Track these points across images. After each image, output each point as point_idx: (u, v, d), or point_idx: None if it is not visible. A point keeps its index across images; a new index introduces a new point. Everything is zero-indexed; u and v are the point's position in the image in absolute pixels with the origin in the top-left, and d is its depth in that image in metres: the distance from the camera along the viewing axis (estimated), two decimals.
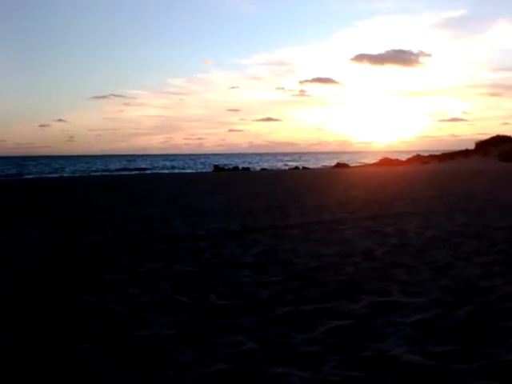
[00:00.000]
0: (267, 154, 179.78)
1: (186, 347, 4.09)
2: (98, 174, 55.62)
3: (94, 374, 3.63)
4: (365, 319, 4.65)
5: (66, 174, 54.46)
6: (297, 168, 61.89)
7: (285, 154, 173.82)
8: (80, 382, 3.47)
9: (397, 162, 59.62)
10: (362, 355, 3.84)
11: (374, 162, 64.76)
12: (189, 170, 63.47)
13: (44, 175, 53.12)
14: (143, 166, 75.83)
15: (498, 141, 55.64)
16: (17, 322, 4.73)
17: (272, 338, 4.25)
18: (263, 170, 60.12)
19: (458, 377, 3.45)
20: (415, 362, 3.65)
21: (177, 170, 64.55)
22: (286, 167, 68.22)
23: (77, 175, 51.66)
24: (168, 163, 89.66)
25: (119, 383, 3.46)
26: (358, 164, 68.09)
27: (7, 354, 4.02)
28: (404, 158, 63.53)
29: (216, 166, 62.68)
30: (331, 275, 6.34)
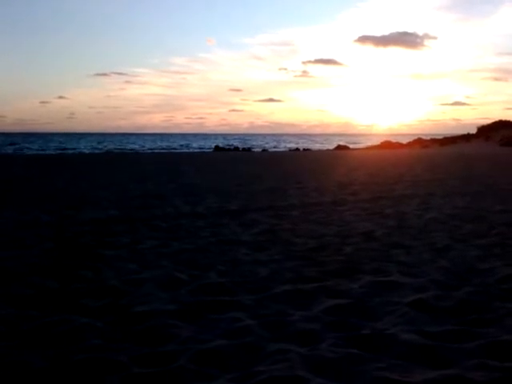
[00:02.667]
0: (268, 135, 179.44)
1: (185, 323, 4.12)
2: (98, 151, 55.52)
3: (94, 347, 3.66)
4: (363, 298, 4.68)
5: (66, 151, 54.34)
6: (297, 149, 61.75)
7: (286, 135, 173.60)
8: (79, 355, 3.50)
9: (398, 146, 59.47)
10: (359, 333, 3.87)
11: (375, 144, 64.57)
12: (190, 150, 63.32)
13: (44, 152, 53.01)
14: (144, 145, 75.71)
15: (500, 126, 55.46)
16: (18, 296, 4.77)
17: (270, 315, 4.28)
18: (264, 150, 59.98)
19: (455, 356, 3.47)
20: (412, 340, 3.68)
21: (178, 150, 64.41)
22: (287, 148, 68.07)
23: (77, 152, 51.61)
24: (169, 142, 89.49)
25: (118, 357, 3.49)
26: (358, 146, 67.91)
27: (9, 327, 4.06)
28: (405, 141, 63.33)
29: (217, 146, 62.54)
30: (330, 255, 6.36)
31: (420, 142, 60.01)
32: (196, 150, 60.83)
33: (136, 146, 71.91)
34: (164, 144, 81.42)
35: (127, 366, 3.36)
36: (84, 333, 3.90)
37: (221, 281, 5.25)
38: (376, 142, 68.58)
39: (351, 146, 64.94)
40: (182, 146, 76.57)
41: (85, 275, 5.49)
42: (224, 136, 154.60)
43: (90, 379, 3.22)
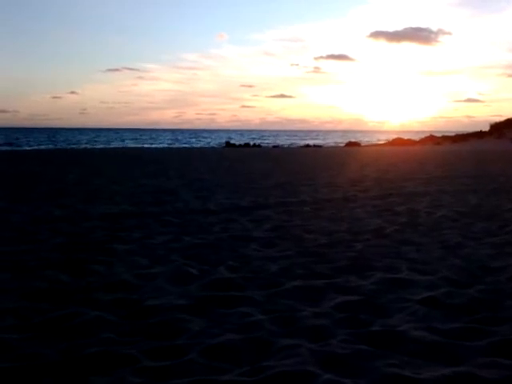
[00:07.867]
0: (279, 131, 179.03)
1: (195, 317, 4.14)
2: (110, 146, 55.74)
3: (105, 340, 3.69)
4: (374, 295, 4.68)
5: (80, 146, 54.60)
6: (308, 146, 61.63)
7: (297, 131, 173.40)
8: (91, 348, 3.53)
9: (409, 142, 59.16)
10: (370, 330, 3.87)
11: (386, 141, 64.33)
12: (200, 146, 63.41)
13: (57, 146, 53.33)
14: (155, 140, 75.94)
15: None
16: (30, 290, 4.81)
17: (281, 311, 4.29)
18: (275, 147, 59.91)
19: (466, 353, 3.46)
20: (423, 337, 3.68)
21: (189, 145, 64.52)
22: (298, 144, 67.97)
23: (89, 147, 51.83)
24: (180, 138, 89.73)
25: (130, 350, 3.51)
26: (370, 143, 67.66)
27: (22, 320, 4.11)
28: (417, 138, 62.99)
29: (228, 142, 62.59)
30: (341, 251, 6.36)
31: (432, 139, 59.59)
32: (207, 146, 60.91)
33: (150, 141, 72.12)
34: (175, 139, 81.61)
35: (139, 360, 3.39)
36: (96, 326, 3.94)
37: (231, 276, 5.27)
38: (388, 138, 68.34)
39: (362, 143, 64.73)
40: (193, 141, 76.73)
41: (97, 269, 5.53)
42: (235, 132, 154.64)
43: (101, 372, 3.25)
